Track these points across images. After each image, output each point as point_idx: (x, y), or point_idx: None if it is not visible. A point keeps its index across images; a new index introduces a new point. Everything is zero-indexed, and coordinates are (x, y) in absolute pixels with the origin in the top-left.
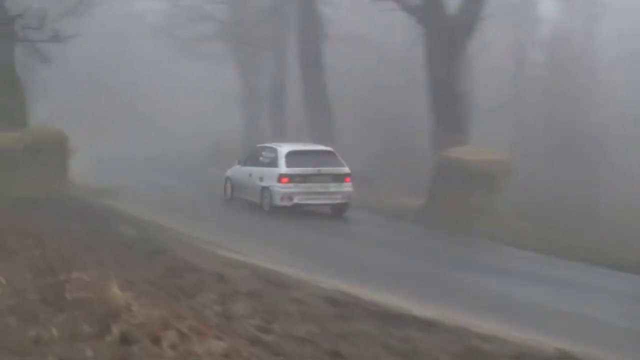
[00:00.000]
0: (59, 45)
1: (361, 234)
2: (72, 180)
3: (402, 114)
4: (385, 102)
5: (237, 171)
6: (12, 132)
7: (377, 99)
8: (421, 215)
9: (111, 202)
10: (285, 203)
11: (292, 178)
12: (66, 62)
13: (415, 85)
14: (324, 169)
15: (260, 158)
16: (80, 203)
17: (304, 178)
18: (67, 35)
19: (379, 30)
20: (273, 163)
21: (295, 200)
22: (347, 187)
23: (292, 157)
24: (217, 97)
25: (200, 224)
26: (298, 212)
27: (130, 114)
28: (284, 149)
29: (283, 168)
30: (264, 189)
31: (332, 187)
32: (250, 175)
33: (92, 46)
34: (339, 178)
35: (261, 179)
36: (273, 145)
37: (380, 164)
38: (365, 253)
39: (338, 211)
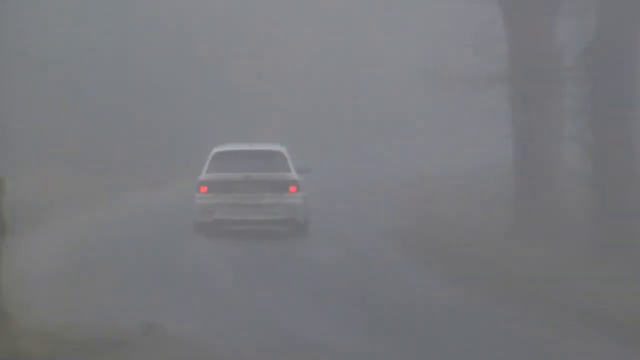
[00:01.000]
0: None
1: None
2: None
3: None
4: None
5: None
6: None
7: None
8: None
9: None
10: (205, 219)
11: (211, 187)
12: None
13: None
14: (256, 175)
15: None
16: None
17: (227, 187)
18: None
19: None
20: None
21: (216, 215)
22: (292, 198)
23: (219, 159)
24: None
25: None
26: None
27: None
28: (217, 148)
29: (203, 174)
30: None
31: (268, 198)
32: None
33: None
34: (280, 187)
35: None
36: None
37: None
38: None
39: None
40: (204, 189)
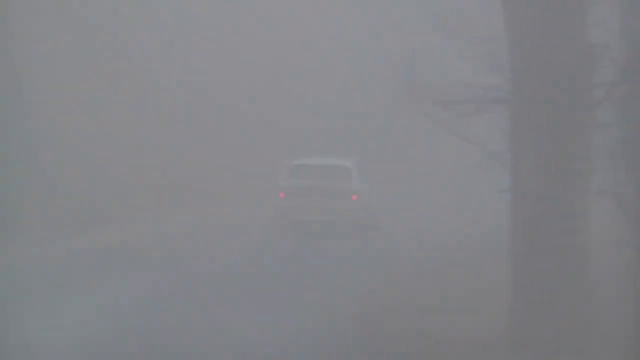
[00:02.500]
0: None
1: None
2: None
3: None
4: None
5: None
6: None
7: None
8: None
9: None
10: (281, 219)
11: (288, 193)
12: None
13: None
14: (325, 184)
15: None
16: None
17: (301, 193)
18: None
19: None
20: None
21: (290, 217)
22: (354, 204)
23: (297, 170)
24: None
25: None
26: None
27: None
28: (296, 161)
29: (282, 182)
30: None
31: (334, 203)
32: None
33: None
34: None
35: None
36: None
37: None
38: None
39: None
40: (282, 194)
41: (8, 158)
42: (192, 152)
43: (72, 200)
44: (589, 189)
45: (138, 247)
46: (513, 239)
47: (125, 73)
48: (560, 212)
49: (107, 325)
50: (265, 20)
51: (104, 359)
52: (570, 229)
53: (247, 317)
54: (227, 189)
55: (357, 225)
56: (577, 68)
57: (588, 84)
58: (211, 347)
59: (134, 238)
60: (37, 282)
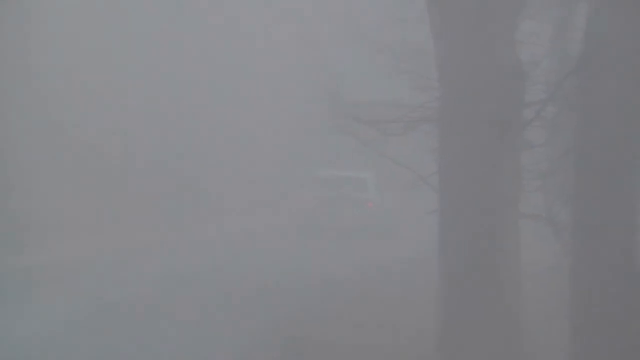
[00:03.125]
0: None
1: None
2: None
3: None
4: None
5: None
6: None
7: None
8: None
9: None
10: (305, 225)
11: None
12: None
13: None
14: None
15: None
16: None
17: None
18: None
19: None
20: None
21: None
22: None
23: (320, 180)
24: None
25: None
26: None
27: None
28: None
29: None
30: None
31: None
32: None
33: None
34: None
35: None
36: None
37: None
38: None
39: None
40: (308, 202)
41: None
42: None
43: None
44: (519, 212)
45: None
46: (441, 263)
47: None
48: (489, 234)
49: None
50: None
51: None
52: (501, 253)
53: None
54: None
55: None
56: (506, 86)
57: (518, 103)
58: None
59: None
60: None
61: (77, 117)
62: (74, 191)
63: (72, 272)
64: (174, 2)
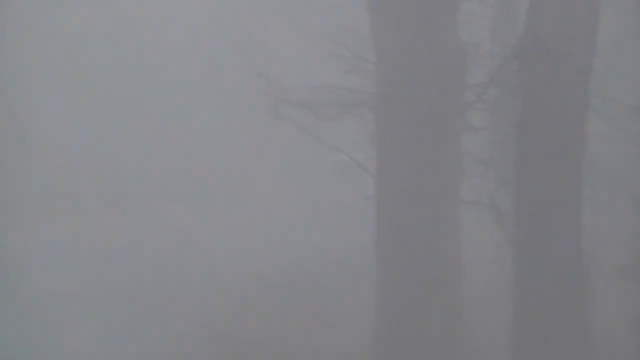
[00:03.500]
0: None
1: None
2: None
3: None
4: None
5: None
6: None
7: None
8: None
9: None
10: None
11: None
12: None
13: None
14: None
15: None
16: None
17: None
18: None
19: None
20: None
21: None
22: None
23: None
24: None
25: None
26: None
27: None
28: None
29: None
30: None
31: None
32: None
33: None
34: None
35: None
36: None
37: None
38: None
39: None
40: None
41: None
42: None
43: None
44: (460, 199)
45: None
46: (379, 251)
47: None
48: (428, 221)
49: None
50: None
51: None
52: (441, 241)
53: None
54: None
55: None
56: (447, 69)
57: (458, 86)
58: None
59: None
60: None
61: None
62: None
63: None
64: None
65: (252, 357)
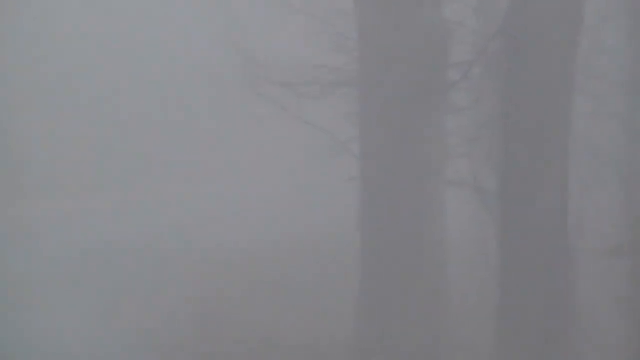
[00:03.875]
0: None
1: None
2: None
3: None
4: None
5: None
6: None
7: None
8: None
9: None
10: None
11: None
12: None
13: None
14: None
15: None
16: None
17: None
18: None
19: None
20: None
21: None
22: None
23: None
24: None
25: None
26: None
27: None
28: None
29: None
30: None
31: None
32: None
33: None
34: None
35: None
36: None
37: None
38: None
39: None
40: None
41: None
42: None
43: None
44: (445, 179)
45: None
46: (363, 231)
47: None
48: (413, 202)
49: None
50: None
51: None
52: (425, 221)
53: None
54: None
55: None
56: (431, 47)
57: (442, 65)
58: None
59: None
60: None
61: None
62: None
63: None
64: None
65: (237, 336)
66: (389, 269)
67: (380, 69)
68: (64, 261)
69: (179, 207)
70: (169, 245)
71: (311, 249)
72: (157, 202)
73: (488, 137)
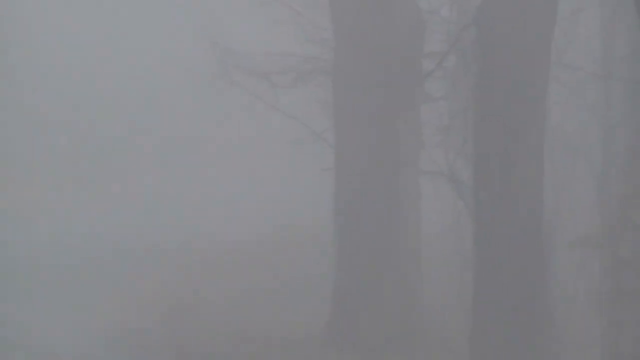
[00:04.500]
0: None
1: None
2: None
3: None
4: None
5: None
6: None
7: None
8: None
9: None
10: None
11: None
12: None
13: None
14: None
15: None
16: None
17: None
18: None
19: None
20: None
21: None
22: None
23: None
24: None
25: None
26: None
27: None
28: None
29: None
30: None
31: None
32: None
33: None
34: None
35: None
36: None
37: None
38: None
39: None
40: None
41: None
42: None
43: None
44: (419, 168)
45: None
46: (338, 221)
47: None
48: (387, 192)
49: None
50: None
51: None
52: (400, 211)
53: None
54: None
55: None
56: (405, 37)
57: (416, 54)
58: None
59: None
60: None
61: None
62: None
63: None
64: None
65: (214, 328)
66: (363, 259)
67: (354, 59)
68: (49, 255)
69: (153, 201)
70: (145, 239)
71: (284, 240)
72: (130, 196)
73: (462, 127)
